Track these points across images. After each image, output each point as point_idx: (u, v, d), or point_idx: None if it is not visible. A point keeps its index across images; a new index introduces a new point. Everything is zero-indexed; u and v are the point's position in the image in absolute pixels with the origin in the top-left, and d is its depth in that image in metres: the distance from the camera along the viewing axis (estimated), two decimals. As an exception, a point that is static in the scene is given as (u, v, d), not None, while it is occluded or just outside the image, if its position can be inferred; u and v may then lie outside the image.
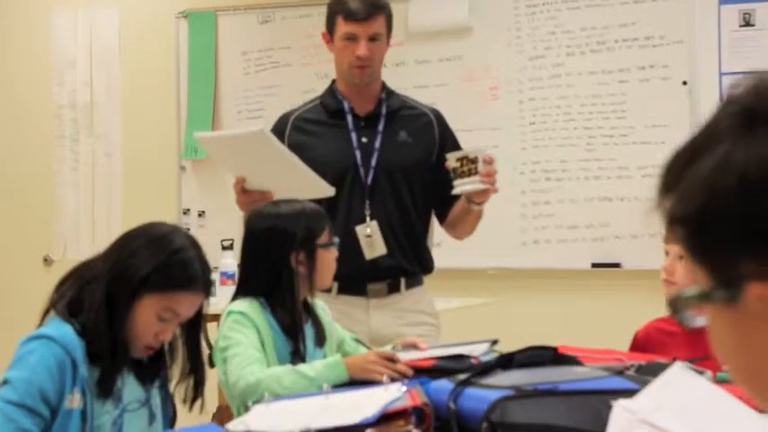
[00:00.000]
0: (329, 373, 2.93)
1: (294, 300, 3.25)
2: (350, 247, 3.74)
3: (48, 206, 7.10)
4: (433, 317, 4.00)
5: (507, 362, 2.39)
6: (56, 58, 7.17)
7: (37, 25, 7.19)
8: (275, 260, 3.29)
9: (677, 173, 1.05)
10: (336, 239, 3.36)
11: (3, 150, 7.22)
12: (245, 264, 3.40)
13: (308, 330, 3.31)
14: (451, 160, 3.66)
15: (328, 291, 3.75)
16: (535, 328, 5.62)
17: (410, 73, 6.34)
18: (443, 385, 2.32)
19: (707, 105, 5.82)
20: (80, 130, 7.14)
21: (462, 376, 2.31)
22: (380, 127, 3.91)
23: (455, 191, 3.68)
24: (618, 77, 6.11)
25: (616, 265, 6.06)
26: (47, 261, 7.04)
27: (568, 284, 6.11)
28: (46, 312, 2.68)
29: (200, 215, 6.72)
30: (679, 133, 5.86)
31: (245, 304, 3.20)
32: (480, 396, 2.19)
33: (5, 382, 2.55)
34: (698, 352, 3.34)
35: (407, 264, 3.90)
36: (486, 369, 2.35)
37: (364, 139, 3.87)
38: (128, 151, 7.03)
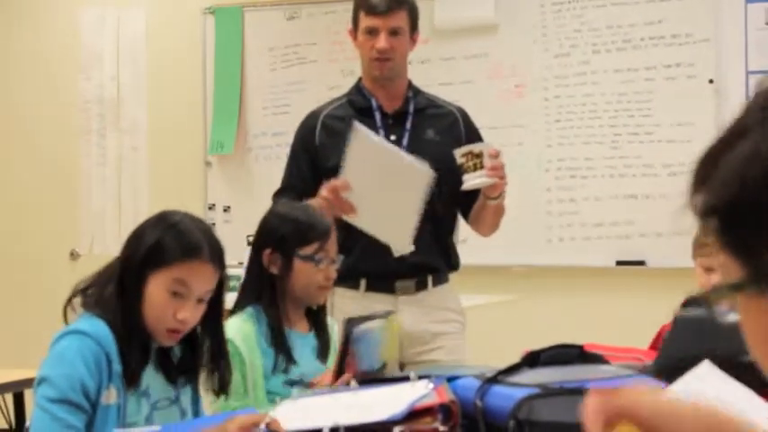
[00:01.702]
0: None
1: (270, 301, 3.28)
2: (377, 245, 3.76)
3: (74, 200, 7.14)
4: (459, 314, 4.02)
5: (534, 360, 2.39)
6: (83, 53, 7.20)
7: (64, 21, 7.22)
8: (253, 256, 3.37)
9: (709, 166, 1.07)
10: (322, 257, 3.33)
11: (30, 144, 7.26)
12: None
13: (310, 341, 3.33)
14: (458, 156, 3.67)
15: (356, 288, 3.77)
16: (559, 325, 5.63)
17: (436, 70, 6.35)
18: (470, 383, 2.33)
19: (733, 103, 5.82)
20: (107, 125, 7.17)
21: (489, 374, 2.32)
22: (408, 125, 3.92)
23: (463, 186, 3.70)
24: (644, 75, 6.10)
25: (641, 263, 6.06)
26: (73, 255, 7.07)
27: (593, 282, 6.11)
28: (69, 300, 2.67)
29: (225, 210, 6.74)
30: (705, 131, 5.87)
31: (237, 323, 3.22)
32: (507, 394, 2.19)
33: (43, 380, 2.52)
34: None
35: (434, 261, 3.90)
36: (512, 367, 2.36)
37: (392, 137, 3.88)
38: (154, 146, 7.06)
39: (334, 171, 3.77)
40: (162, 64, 7.06)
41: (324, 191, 3.64)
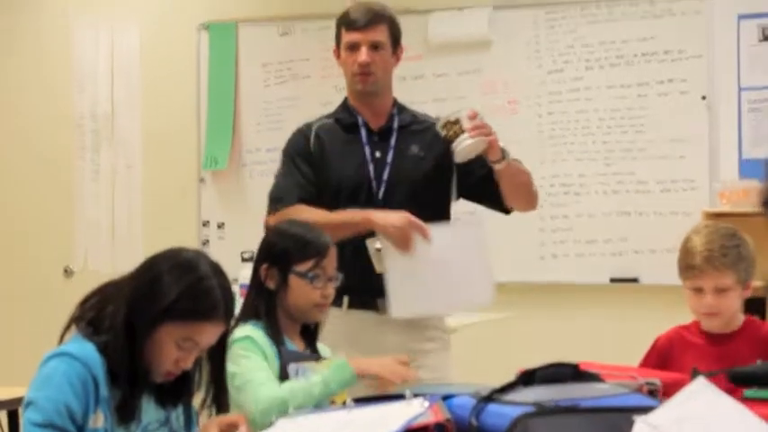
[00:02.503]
0: (337, 377, 3.06)
1: (268, 314, 3.31)
2: (361, 262, 3.75)
3: (68, 217, 7.14)
4: (442, 331, 4.00)
5: (529, 378, 2.40)
6: (77, 69, 7.21)
7: (59, 36, 7.23)
8: (254, 270, 3.41)
9: None
10: (317, 274, 3.35)
11: (24, 160, 7.26)
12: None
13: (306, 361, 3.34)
14: (439, 130, 3.68)
15: (339, 306, 3.77)
16: (553, 342, 5.64)
17: (429, 86, 6.37)
18: (465, 401, 2.33)
19: (726, 120, 5.85)
20: (101, 141, 7.17)
21: (484, 392, 2.32)
22: (393, 141, 3.93)
23: (455, 159, 3.69)
24: (637, 92, 6.12)
25: (634, 280, 6.07)
26: (67, 272, 7.07)
27: (586, 299, 6.11)
28: (67, 328, 2.65)
29: (219, 227, 6.75)
30: (698, 148, 5.89)
31: (247, 328, 3.24)
32: (502, 412, 2.19)
33: (30, 403, 2.48)
34: (718, 365, 3.36)
35: None
36: (507, 385, 2.36)
37: (377, 154, 3.89)
38: (148, 162, 7.06)
39: (326, 185, 3.82)
40: (156, 80, 7.06)
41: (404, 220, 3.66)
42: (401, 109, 4.03)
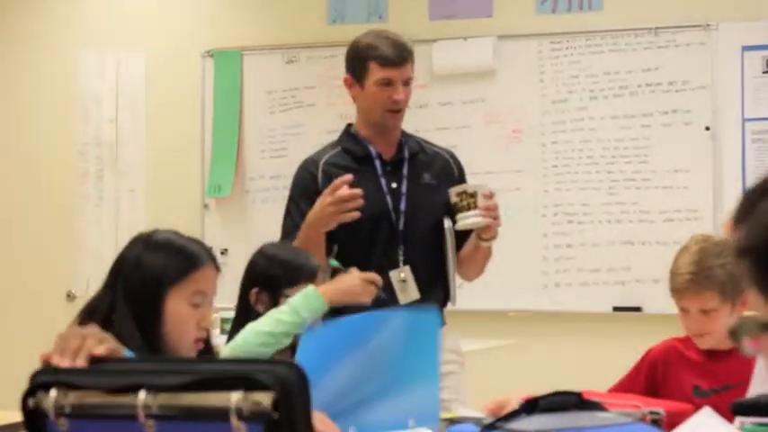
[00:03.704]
0: (305, 304, 3.14)
1: None
2: (384, 291, 3.76)
3: (71, 242, 7.14)
4: (458, 354, 4.01)
5: (532, 406, 2.39)
6: (81, 95, 7.22)
7: (63, 63, 7.24)
8: (241, 295, 3.50)
9: (746, 209, 1.10)
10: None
11: (27, 185, 7.27)
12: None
13: None
14: (452, 195, 3.68)
15: None
16: (555, 370, 5.62)
17: (433, 115, 6.37)
18: (470, 429, 2.33)
19: (730, 151, 5.85)
20: (104, 167, 7.18)
21: (488, 420, 2.32)
22: (405, 171, 3.92)
23: (456, 226, 3.70)
24: (640, 122, 6.13)
25: (637, 309, 6.06)
26: (70, 296, 7.06)
27: (589, 328, 6.11)
28: None
29: (222, 253, 6.73)
30: (701, 178, 5.90)
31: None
32: (505, 440, 2.19)
33: None
34: (715, 381, 3.35)
35: (437, 306, 3.89)
36: (511, 414, 2.36)
37: (393, 185, 3.88)
38: (151, 189, 7.07)
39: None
40: (161, 106, 7.08)
41: (325, 196, 3.63)
42: (407, 136, 4.03)
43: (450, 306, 4.00)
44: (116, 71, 7.20)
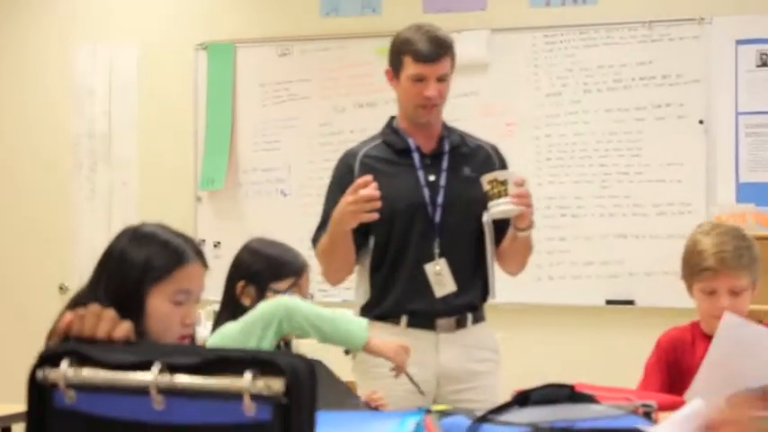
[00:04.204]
0: (351, 326, 3.16)
1: None
2: (420, 285, 3.78)
3: (64, 234, 7.14)
4: (494, 352, 3.97)
5: (524, 399, 2.39)
6: (75, 88, 7.21)
7: (57, 56, 7.24)
8: (227, 287, 3.47)
9: None
10: (294, 293, 3.43)
11: (20, 178, 7.26)
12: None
13: None
14: (484, 183, 3.65)
15: (397, 324, 3.79)
16: (548, 363, 5.63)
17: (427, 108, 6.36)
18: (460, 421, 2.32)
19: (723, 144, 5.85)
20: (97, 160, 7.17)
21: (479, 413, 2.31)
22: (445, 164, 3.89)
23: (488, 214, 3.68)
24: (634, 115, 6.13)
25: (630, 302, 6.07)
26: (62, 289, 7.06)
27: (582, 321, 6.11)
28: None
29: (215, 246, 6.73)
30: (695, 171, 5.90)
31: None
32: (497, 433, 2.19)
33: None
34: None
35: (475, 300, 3.88)
36: (503, 406, 2.36)
37: (431, 178, 3.86)
38: (144, 181, 7.07)
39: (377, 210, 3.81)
40: (153, 99, 7.07)
41: (347, 196, 3.62)
42: (449, 130, 4.00)
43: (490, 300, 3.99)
44: (109, 64, 7.19)
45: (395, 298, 3.82)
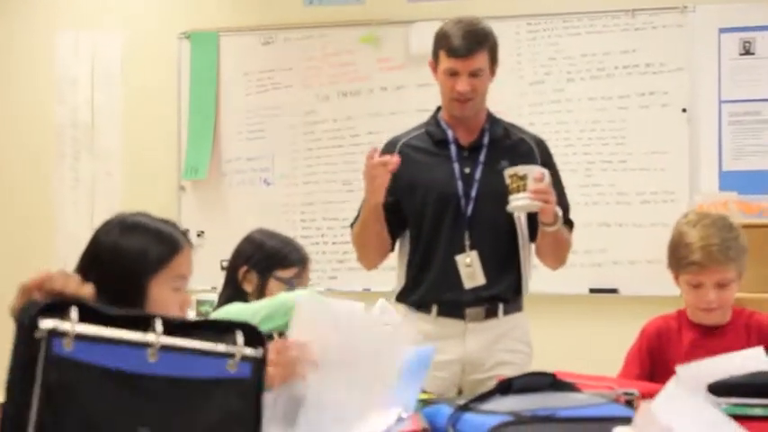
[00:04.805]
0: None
1: None
2: (450, 276, 3.81)
3: (47, 224, 7.12)
4: (526, 345, 3.98)
5: (506, 387, 2.39)
6: (58, 77, 7.19)
7: (40, 45, 7.21)
8: (230, 271, 3.53)
9: None
10: (297, 283, 3.50)
11: (2, 168, 7.23)
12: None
13: None
14: (506, 177, 3.65)
15: (428, 312, 3.80)
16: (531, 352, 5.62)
17: (411, 96, 6.37)
18: (442, 410, 2.33)
19: (706, 132, 5.86)
20: (80, 149, 7.15)
21: (461, 401, 2.32)
22: (482, 157, 3.89)
23: (507, 208, 3.67)
24: (618, 104, 6.13)
25: (613, 291, 6.08)
26: (45, 279, 7.03)
27: (566, 310, 6.12)
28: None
29: (198, 235, 6.72)
30: (678, 160, 5.90)
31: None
32: (479, 421, 2.19)
33: None
34: (706, 356, 3.35)
35: (505, 293, 3.89)
36: (485, 394, 2.36)
37: (467, 170, 3.86)
38: (128, 171, 7.05)
39: (411, 199, 3.86)
40: (137, 88, 7.05)
41: (368, 166, 3.66)
42: (494, 122, 4.00)
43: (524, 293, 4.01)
44: (92, 53, 7.16)
45: (426, 288, 3.87)
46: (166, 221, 2.71)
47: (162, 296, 2.59)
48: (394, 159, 3.61)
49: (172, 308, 2.60)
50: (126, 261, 2.59)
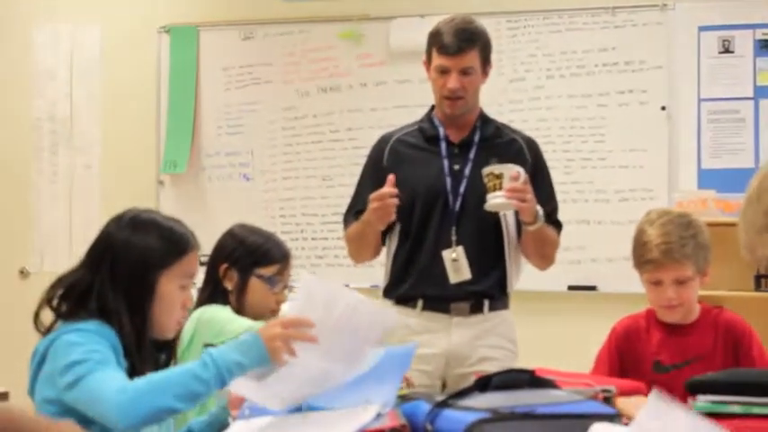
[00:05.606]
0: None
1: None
2: (436, 271, 3.84)
3: (25, 218, 7.08)
4: (510, 342, 4.01)
5: (485, 384, 2.39)
6: (36, 71, 7.16)
7: (17, 38, 7.18)
8: (210, 269, 3.54)
9: None
10: (278, 280, 3.52)
11: (-19, 161, 7.20)
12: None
13: None
14: (483, 175, 3.67)
15: (413, 307, 3.80)
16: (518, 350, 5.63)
17: (391, 93, 6.37)
18: (421, 406, 2.32)
19: (685, 130, 5.87)
20: (59, 143, 7.12)
21: (440, 397, 2.32)
22: (472, 155, 3.91)
23: (484, 206, 3.69)
24: (597, 101, 6.14)
25: (592, 288, 6.09)
26: (23, 273, 7.00)
27: (544, 307, 6.12)
28: (36, 319, 2.64)
29: (177, 230, 6.71)
30: (657, 158, 5.92)
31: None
32: (457, 418, 2.18)
33: (74, 363, 2.45)
34: (674, 355, 3.36)
35: (491, 289, 3.91)
36: (463, 391, 2.36)
37: (456, 167, 3.89)
38: (106, 164, 7.02)
39: (401, 194, 3.85)
40: (116, 82, 7.03)
41: (372, 201, 3.72)
42: (485, 121, 4.03)
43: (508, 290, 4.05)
44: (71, 46, 7.13)
45: (412, 282, 3.90)
46: (176, 220, 2.80)
47: (170, 292, 2.67)
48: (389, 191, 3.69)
49: (177, 305, 2.67)
50: (140, 255, 2.67)
